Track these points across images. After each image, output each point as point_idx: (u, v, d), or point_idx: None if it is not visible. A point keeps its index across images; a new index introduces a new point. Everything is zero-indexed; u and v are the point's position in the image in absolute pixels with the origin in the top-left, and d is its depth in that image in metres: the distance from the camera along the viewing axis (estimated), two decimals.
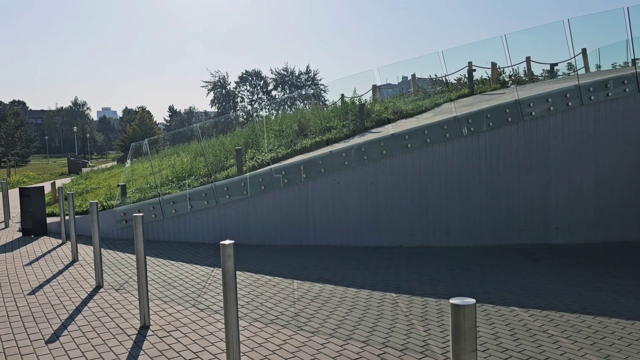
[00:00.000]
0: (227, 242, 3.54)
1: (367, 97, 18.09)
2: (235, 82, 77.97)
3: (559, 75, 17.15)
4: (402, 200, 10.63)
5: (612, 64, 16.78)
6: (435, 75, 18.94)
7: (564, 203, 10.81)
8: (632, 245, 10.74)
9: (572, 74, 17.32)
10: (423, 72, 19.93)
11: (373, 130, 13.52)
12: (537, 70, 17.95)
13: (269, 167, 10.91)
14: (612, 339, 5.19)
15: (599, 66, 16.93)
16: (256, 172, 10.84)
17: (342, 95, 17.07)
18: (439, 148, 10.59)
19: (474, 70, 15.91)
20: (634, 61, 17.33)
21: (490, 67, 16.78)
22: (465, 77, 17.66)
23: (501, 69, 17.31)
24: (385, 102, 16.90)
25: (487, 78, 17.53)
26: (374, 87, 19.31)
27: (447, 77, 18.56)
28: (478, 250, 10.24)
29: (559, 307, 6.33)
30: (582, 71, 17.19)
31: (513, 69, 17.24)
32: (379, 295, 6.75)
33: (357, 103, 15.11)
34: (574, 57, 15.10)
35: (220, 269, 7.97)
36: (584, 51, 17.20)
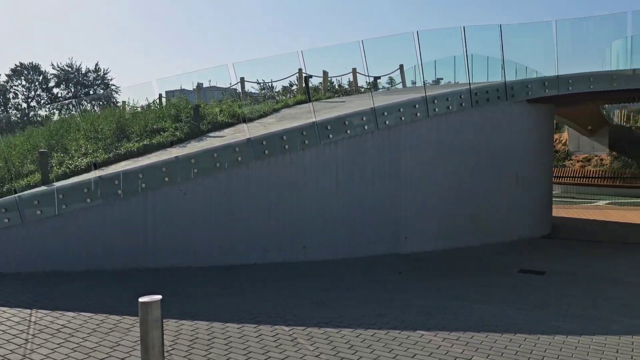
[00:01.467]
0: None
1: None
2: (7, 75, 66.63)
3: (380, 88, 17.93)
4: (257, 212, 9.53)
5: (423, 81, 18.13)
6: (263, 80, 18.26)
7: (412, 212, 10.94)
8: (472, 251, 11.36)
9: (392, 87, 18.30)
10: (249, 78, 18.98)
11: (211, 134, 12.13)
12: (360, 82, 18.51)
13: (95, 174, 8.79)
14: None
15: (414, 81, 18.18)
16: (78, 181, 8.64)
17: (161, 95, 15.21)
18: (297, 156, 9.78)
19: (311, 77, 15.60)
20: (437, 80, 18.99)
21: (322, 75, 16.69)
22: (295, 83, 17.32)
23: (331, 78, 17.39)
24: (214, 105, 15.56)
25: (319, 86, 17.45)
26: (199, 88, 17.78)
27: (272, 83, 18.02)
28: (337, 265, 9.68)
29: (462, 327, 5.98)
30: (400, 86, 18.28)
31: (337, 80, 17.46)
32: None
33: (182, 104, 13.45)
34: (416, 69, 15.82)
35: (44, 311, 5.90)
36: (401, 67, 18.31)
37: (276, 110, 13.89)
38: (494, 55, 12.43)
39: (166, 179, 8.92)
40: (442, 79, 18.91)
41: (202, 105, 13.22)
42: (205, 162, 9.14)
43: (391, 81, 17.88)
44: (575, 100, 13.81)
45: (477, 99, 11.68)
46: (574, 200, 23.61)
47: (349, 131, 10.10)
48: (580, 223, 16.15)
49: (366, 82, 19.05)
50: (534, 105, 12.99)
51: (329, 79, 16.93)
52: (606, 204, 22.57)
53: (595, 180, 27.49)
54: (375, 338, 5.58)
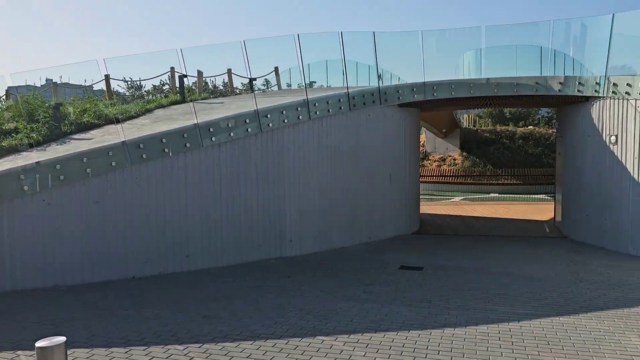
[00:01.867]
0: None
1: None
2: None
3: (256, 90, 17.75)
4: (135, 221, 8.82)
5: (298, 84, 18.34)
6: (130, 78, 17.09)
7: (296, 215, 10.94)
8: (353, 251, 11.68)
9: (268, 89, 18.21)
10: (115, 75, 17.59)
11: (76, 136, 11.03)
12: (236, 83, 18.10)
13: None
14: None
15: (289, 84, 18.29)
16: None
17: (8, 91, 13.47)
18: (178, 160, 9.24)
19: (185, 76, 14.87)
20: (311, 83, 19.32)
21: (196, 75, 16.03)
22: (167, 82, 16.43)
23: (205, 78, 16.79)
24: (74, 103, 14.14)
25: (193, 86, 16.73)
26: (55, 85, 16.06)
27: (141, 82, 16.99)
28: (224, 272, 9.33)
29: (359, 328, 6.07)
30: (275, 88, 18.27)
31: (212, 80, 16.94)
32: None
33: (38, 101, 12.05)
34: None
35: None
36: (276, 69, 18.29)
37: (149, 111, 13.02)
38: (368, 60, 12.90)
39: (25, 188, 7.87)
40: (315, 82, 19.28)
41: (62, 104, 11.92)
42: (73, 167, 8.22)
43: (267, 83, 17.77)
44: (439, 105, 14.88)
45: (354, 103, 12.04)
46: (433, 197, 25.53)
47: (232, 134, 9.79)
48: (442, 218, 17.47)
49: (241, 83, 18.77)
50: (404, 109, 13.77)
51: (204, 79, 16.33)
52: (461, 199, 24.75)
53: (450, 178, 30.04)
54: (277, 349, 5.44)
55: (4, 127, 11.18)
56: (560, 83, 12.48)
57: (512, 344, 5.56)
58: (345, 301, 7.31)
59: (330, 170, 11.63)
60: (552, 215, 17.53)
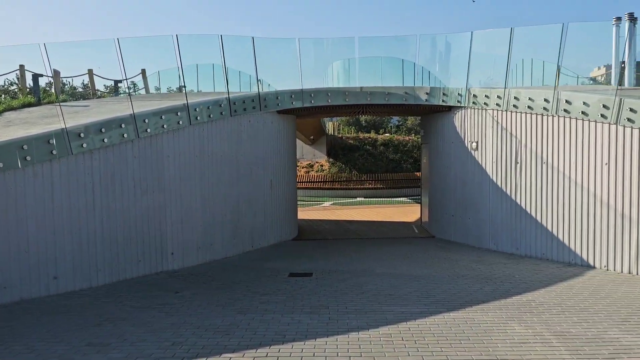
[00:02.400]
0: None
1: None
2: None
3: (122, 93, 16.55)
4: None
5: (168, 88, 17.47)
6: None
7: (178, 226, 10.32)
8: (238, 260, 11.32)
9: (136, 93, 17.05)
10: None
11: None
12: (98, 84, 16.61)
13: None
14: None
15: (158, 88, 17.33)
16: None
17: None
18: (43, 168, 8.16)
19: (41, 75, 13.29)
20: (181, 87, 18.54)
21: (52, 75, 14.41)
22: (16, 82, 14.56)
23: (63, 79, 15.18)
24: None
25: (47, 87, 15.02)
26: None
27: None
28: (100, 292, 8.45)
29: (265, 341, 5.85)
30: (143, 91, 17.19)
31: (69, 81, 15.43)
32: None
33: None
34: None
35: None
36: (143, 72, 17.20)
37: None
38: (248, 65, 12.67)
39: None
40: (185, 86, 18.52)
41: None
42: None
43: (134, 86, 16.62)
44: (314, 112, 15.13)
45: (235, 108, 11.74)
46: (304, 202, 25.98)
47: (106, 140, 8.93)
48: (317, 224, 17.79)
49: (104, 85, 17.36)
50: (283, 116, 13.78)
51: (61, 79, 14.75)
52: (331, 204, 25.50)
53: (319, 184, 30.84)
54: None
55: None
56: (427, 93, 13.42)
57: (415, 343, 5.76)
58: (244, 314, 7.02)
59: (213, 178, 11.19)
60: (418, 216, 18.80)
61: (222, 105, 11.37)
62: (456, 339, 5.89)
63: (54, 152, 8.23)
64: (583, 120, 9.87)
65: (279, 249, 12.87)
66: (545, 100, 10.56)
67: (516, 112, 11.25)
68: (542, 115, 10.66)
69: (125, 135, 9.23)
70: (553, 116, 10.45)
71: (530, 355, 5.33)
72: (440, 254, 11.76)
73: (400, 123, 56.23)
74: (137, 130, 9.42)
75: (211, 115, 11.05)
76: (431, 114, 14.54)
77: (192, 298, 8.03)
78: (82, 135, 8.59)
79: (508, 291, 8.13)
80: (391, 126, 51.60)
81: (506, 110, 11.50)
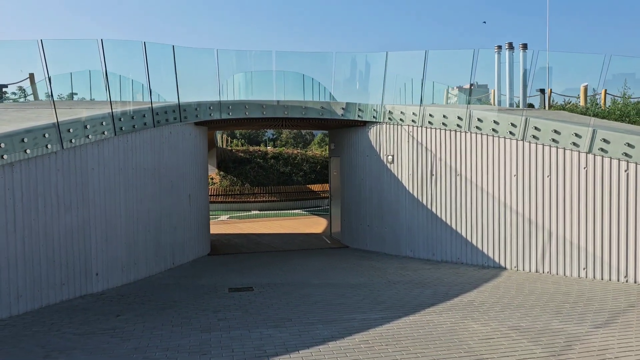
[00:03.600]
0: None
1: None
2: None
3: (9, 100, 14.91)
4: None
5: (59, 95, 16.08)
6: None
7: (102, 244, 9.54)
8: (164, 278, 10.73)
9: (22, 99, 15.48)
10: None
11: None
12: None
13: None
14: None
15: (48, 94, 15.85)
16: None
17: None
18: None
19: None
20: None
21: None
22: None
23: None
24: None
25: None
26: None
27: None
28: (26, 322, 7.53)
29: (249, 357, 5.73)
30: (31, 98, 15.64)
31: None
32: None
33: None
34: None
35: None
36: (31, 76, 15.63)
37: None
38: (164, 74, 12.14)
39: None
40: (76, 93, 17.18)
41: None
42: None
43: (23, 92, 15.04)
44: (230, 125, 14.94)
45: (158, 119, 11.22)
46: None
47: (28, 151, 8.03)
48: (225, 238, 17.44)
49: None
50: (199, 128, 13.42)
51: None
52: (228, 218, 25.07)
53: (212, 197, 30.13)
54: None
55: None
56: (343, 108, 13.96)
57: (396, 346, 6.02)
58: (209, 332, 6.75)
59: (136, 192, 10.54)
60: (323, 227, 19.28)
61: (146, 116, 10.79)
62: (429, 339, 6.26)
63: None
64: (494, 136, 11.02)
65: (200, 265, 12.43)
66: (459, 117, 11.59)
67: (431, 128, 12.18)
68: (456, 131, 11.68)
69: (49, 146, 8.38)
70: (466, 132, 11.50)
71: (502, 349, 5.87)
72: (364, 263, 12.24)
73: (275, 137, 57.16)
74: (61, 140, 8.60)
75: (135, 126, 10.43)
76: (344, 128, 15.11)
77: (138, 320, 7.50)
78: (2, 145, 7.64)
79: (446, 294, 8.77)
80: (266, 139, 52.01)
81: (421, 126, 12.40)
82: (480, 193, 11.30)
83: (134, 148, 10.45)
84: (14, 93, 15.65)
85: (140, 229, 10.64)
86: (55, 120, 8.55)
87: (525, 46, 15.53)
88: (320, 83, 14.46)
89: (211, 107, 13.13)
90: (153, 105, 11.07)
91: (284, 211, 27.54)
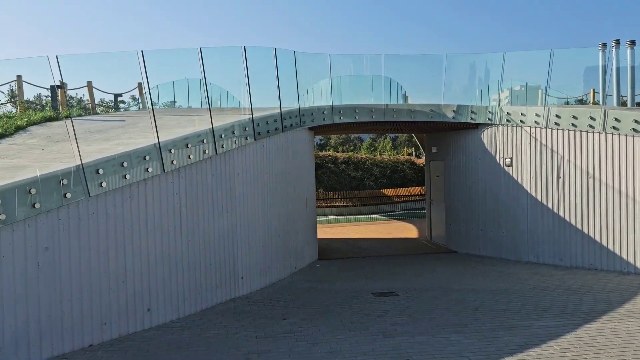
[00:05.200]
0: None
1: None
2: None
3: (122, 108, 15.45)
4: (92, 271, 6.68)
5: (163, 103, 16.53)
6: None
7: (245, 248, 9.67)
8: (294, 282, 10.77)
9: (130, 108, 16.01)
10: None
11: None
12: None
13: None
14: None
15: (156, 103, 16.32)
16: None
17: None
18: (139, 188, 7.35)
19: (60, 87, 12.00)
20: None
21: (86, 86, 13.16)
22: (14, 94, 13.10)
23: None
24: None
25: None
26: None
27: None
28: (194, 324, 7.68)
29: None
30: (137, 106, 16.15)
31: (76, 94, 14.19)
32: None
33: None
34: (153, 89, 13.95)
35: None
36: (140, 85, 16.16)
37: (21, 129, 10.21)
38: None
39: None
40: (176, 101, 17.68)
41: None
42: (16, 202, 5.86)
43: (135, 100, 15.56)
44: (340, 129, 14.96)
45: (285, 124, 11.32)
46: None
47: (191, 156, 8.22)
48: (324, 242, 17.43)
49: (100, 99, 16.10)
50: (310, 132, 13.48)
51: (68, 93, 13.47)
52: None
53: None
54: None
55: None
56: (454, 111, 13.72)
57: (605, 355, 5.75)
58: (392, 337, 6.66)
59: (269, 197, 10.65)
60: (416, 232, 19.02)
61: (277, 121, 10.91)
62: (635, 348, 5.96)
63: (149, 169, 7.44)
64: (634, 136, 10.53)
65: (319, 269, 12.43)
66: (591, 118, 11.16)
67: (557, 129, 11.78)
68: (588, 132, 11.24)
69: (206, 151, 8.56)
70: (600, 133, 11.05)
71: None
72: (488, 268, 11.93)
73: (323, 142, 57.04)
74: (215, 146, 8.77)
75: (269, 131, 10.56)
76: (450, 131, 14.86)
77: (307, 324, 7.50)
78: (172, 151, 7.85)
79: (609, 301, 8.40)
80: (314, 144, 51.78)
81: (546, 127, 12.01)
82: (617, 196, 10.82)
83: (268, 153, 10.56)
84: (123, 102, 16.20)
85: (273, 234, 10.73)
86: (211, 126, 8.72)
87: (633, 43, 14.85)
88: (399, 85, 14.30)
89: (325, 112, 13.17)
90: (277, 110, 11.17)
91: (359, 216, 27.42)
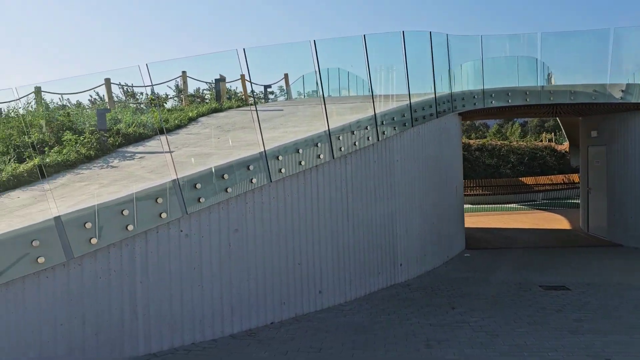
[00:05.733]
0: None
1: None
2: None
3: (271, 98, 16.16)
4: (273, 253, 7.05)
5: (307, 93, 16.96)
6: (131, 84, 14.70)
7: (403, 235, 9.63)
8: (450, 272, 10.55)
9: (277, 98, 16.66)
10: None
11: (131, 148, 9.02)
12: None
13: (48, 212, 5.27)
14: None
15: (300, 92, 16.85)
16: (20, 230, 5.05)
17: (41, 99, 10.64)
18: (311, 174, 7.60)
19: (223, 80, 12.92)
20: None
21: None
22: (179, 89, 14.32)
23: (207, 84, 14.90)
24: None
25: (203, 93, 14.77)
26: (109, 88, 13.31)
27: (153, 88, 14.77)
28: (362, 308, 7.80)
29: None
30: (284, 96, 16.77)
31: (231, 86, 15.12)
32: None
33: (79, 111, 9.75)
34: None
35: None
36: (286, 76, 16.79)
37: (193, 120, 11.08)
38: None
39: (162, 214, 5.87)
40: (317, 91, 18.06)
41: (110, 111, 9.67)
42: (213, 187, 6.34)
43: (282, 91, 16.21)
44: (488, 114, 14.36)
45: (440, 109, 11.04)
46: None
47: (357, 143, 8.32)
48: (467, 232, 16.87)
49: (252, 91, 17.01)
50: (459, 118, 13.02)
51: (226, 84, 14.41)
52: None
53: None
54: None
55: (26, 139, 8.82)
56: (622, 91, 12.43)
57: None
58: (581, 334, 6.20)
59: (425, 183, 10.48)
60: (567, 223, 17.66)
61: (432, 106, 10.68)
62: None
63: (321, 156, 7.66)
64: None
65: (471, 259, 12.03)
66: None
67: None
68: None
69: (369, 138, 8.62)
70: None
71: None
72: None
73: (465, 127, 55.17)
74: (377, 132, 8.79)
75: (425, 117, 10.37)
76: (614, 113, 13.52)
77: (478, 314, 7.25)
78: (340, 138, 8.00)
79: None
80: None
81: None
82: None
83: (423, 139, 10.39)
84: (272, 92, 16.93)
85: (427, 221, 10.57)
86: (373, 113, 8.75)
87: None
88: (545, 65, 13.09)
89: (475, 96, 12.63)
90: (436, 95, 10.90)
91: (496, 205, 26.13)
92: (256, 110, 7.34)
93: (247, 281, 6.70)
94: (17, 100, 10.16)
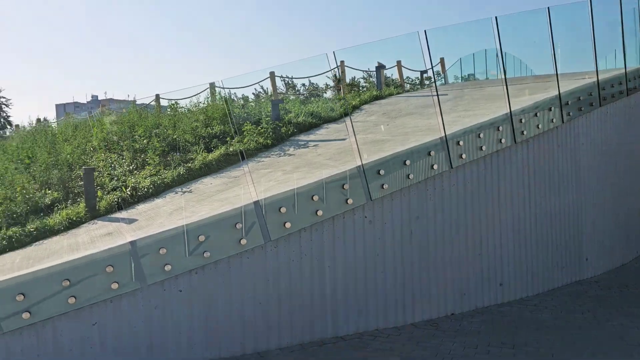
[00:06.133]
0: None
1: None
2: None
3: (427, 84, 15.75)
4: (453, 242, 6.80)
5: (463, 77, 16.21)
6: (287, 76, 15.38)
7: (591, 227, 8.74)
8: (635, 269, 9.39)
9: (432, 83, 16.16)
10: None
11: (303, 137, 9.32)
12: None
13: (248, 198, 5.58)
14: None
15: (458, 77, 16.18)
16: (221, 214, 5.40)
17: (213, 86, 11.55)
18: (492, 160, 7.18)
19: (384, 67, 12.97)
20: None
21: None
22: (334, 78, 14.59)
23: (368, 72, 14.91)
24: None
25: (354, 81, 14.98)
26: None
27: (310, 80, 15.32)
28: (546, 306, 7.19)
29: None
30: (440, 81, 16.20)
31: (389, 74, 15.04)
32: None
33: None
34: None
35: None
36: (442, 60, 16.23)
37: (355, 107, 11.18)
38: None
39: (348, 200, 5.93)
40: (473, 74, 17.21)
41: (283, 101, 10.17)
42: (397, 173, 6.25)
43: (439, 75, 15.71)
44: None
45: (630, 86, 9.78)
46: None
47: (540, 125, 7.68)
48: None
49: (407, 77, 16.80)
50: None
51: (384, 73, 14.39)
52: None
53: None
54: None
55: (212, 130, 9.51)
56: None
57: None
58: None
59: (613, 170, 9.36)
60: None
61: (622, 83, 9.50)
62: None
63: (502, 140, 7.19)
64: None
65: None
66: None
67: None
68: None
69: (553, 120, 7.90)
70: None
71: None
72: None
73: None
74: (562, 113, 8.03)
75: (613, 95, 9.27)
76: None
77: None
78: (522, 120, 7.44)
79: None
80: None
81: None
82: None
83: (612, 120, 9.29)
84: (429, 78, 16.51)
85: (617, 212, 9.46)
86: (558, 92, 8.00)
87: None
88: None
89: None
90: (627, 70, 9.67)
91: None
92: (437, 94, 7.07)
93: (427, 270, 6.54)
94: (197, 95, 11.05)
